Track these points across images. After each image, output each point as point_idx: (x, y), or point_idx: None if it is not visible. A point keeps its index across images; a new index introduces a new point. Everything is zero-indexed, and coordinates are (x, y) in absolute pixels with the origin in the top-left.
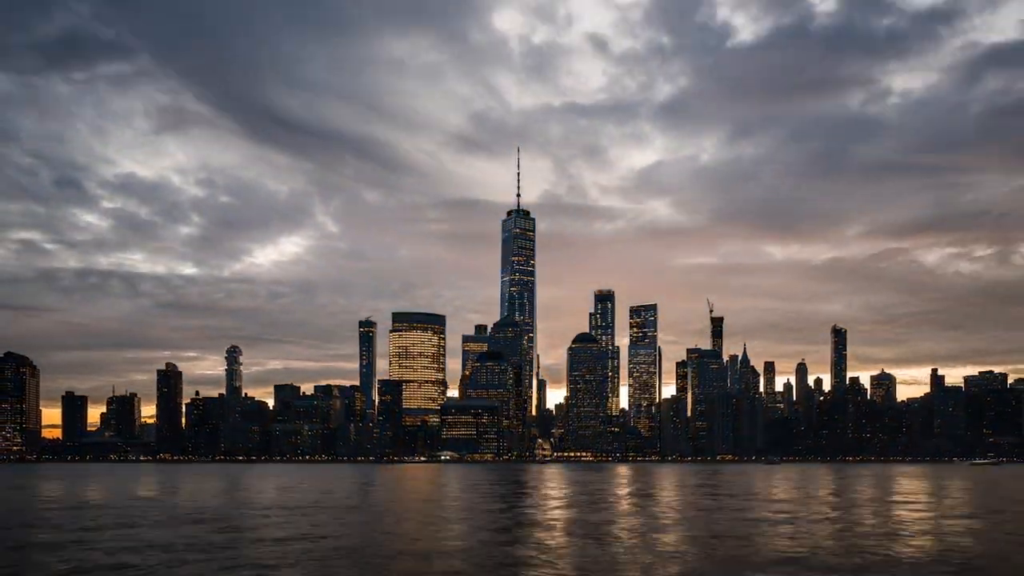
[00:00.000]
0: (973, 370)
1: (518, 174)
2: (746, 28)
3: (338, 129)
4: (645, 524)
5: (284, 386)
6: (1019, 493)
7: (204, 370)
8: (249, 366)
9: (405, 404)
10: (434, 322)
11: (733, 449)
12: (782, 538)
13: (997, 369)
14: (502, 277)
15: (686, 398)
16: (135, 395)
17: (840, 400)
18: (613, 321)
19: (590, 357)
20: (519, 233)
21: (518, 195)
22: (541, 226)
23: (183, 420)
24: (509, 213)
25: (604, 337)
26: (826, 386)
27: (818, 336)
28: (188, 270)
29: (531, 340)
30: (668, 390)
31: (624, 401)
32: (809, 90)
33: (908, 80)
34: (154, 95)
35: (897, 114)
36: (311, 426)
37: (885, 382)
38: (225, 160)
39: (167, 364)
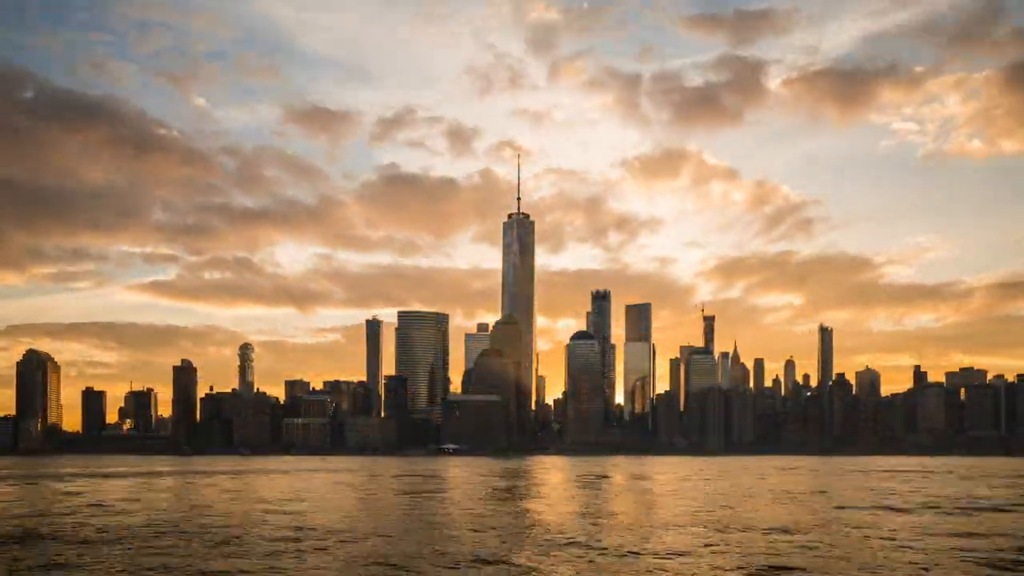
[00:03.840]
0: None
1: (518, 177)
2: None
3: None
4: None
5: (294, 382)
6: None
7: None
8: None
9: (410, 399)
10: (438, 320)
11: (725, 443)
12: None
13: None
14: (504, 277)
15: (679, 393)
16: (152, 390)
17: (826, 395)
18: (610, 319)
19: (588, 354)
20: (520, 235)
21: (518, 198)
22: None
23: (198, 414)
24: (510, 216)
25: (601, 335)
26: (813, 382)
27: None
28: None
29: (531, 338)
30: (661, 386)
31: (620, 397)
32: None
33: None
34: None
35: None
36: (319, 420)
37: (870, 378)
38: None
39: (182, 360)
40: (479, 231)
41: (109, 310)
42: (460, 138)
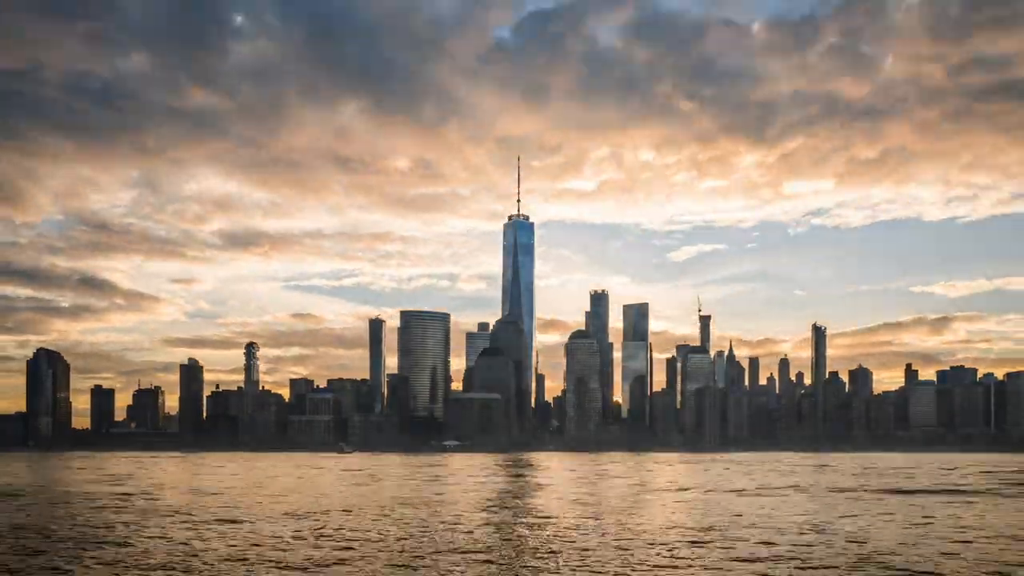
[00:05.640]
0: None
1: (518, 180)
2: None
3: None
4: None
5: (299, 380)
6: None
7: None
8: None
9: (412, 397)
10: (439, 320)
11: (721, 440)
12: None
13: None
14: (504, 278)
15: (676, 391)
16: (159, 388)
17: (820, 393)
18: (608, 319)
19: (586, 352)
20: (520, 236)
21: (518, 200)
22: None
23: (204, 412)
24: (510, 217)
25: (599, 334)
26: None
27: None
28: None
29: (531, 337)
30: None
31: (618, 394)
32: None
33: None
34: None
35: None
36: (324, 418)
37: (862, 376)
38: None
39: (189, 359)
40: None
41: None
42: None
